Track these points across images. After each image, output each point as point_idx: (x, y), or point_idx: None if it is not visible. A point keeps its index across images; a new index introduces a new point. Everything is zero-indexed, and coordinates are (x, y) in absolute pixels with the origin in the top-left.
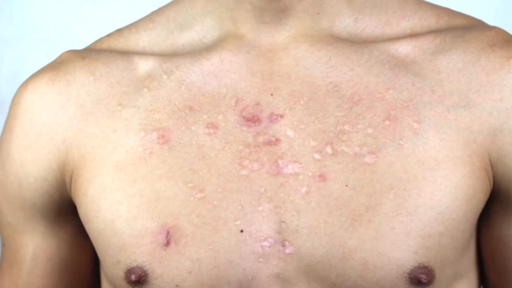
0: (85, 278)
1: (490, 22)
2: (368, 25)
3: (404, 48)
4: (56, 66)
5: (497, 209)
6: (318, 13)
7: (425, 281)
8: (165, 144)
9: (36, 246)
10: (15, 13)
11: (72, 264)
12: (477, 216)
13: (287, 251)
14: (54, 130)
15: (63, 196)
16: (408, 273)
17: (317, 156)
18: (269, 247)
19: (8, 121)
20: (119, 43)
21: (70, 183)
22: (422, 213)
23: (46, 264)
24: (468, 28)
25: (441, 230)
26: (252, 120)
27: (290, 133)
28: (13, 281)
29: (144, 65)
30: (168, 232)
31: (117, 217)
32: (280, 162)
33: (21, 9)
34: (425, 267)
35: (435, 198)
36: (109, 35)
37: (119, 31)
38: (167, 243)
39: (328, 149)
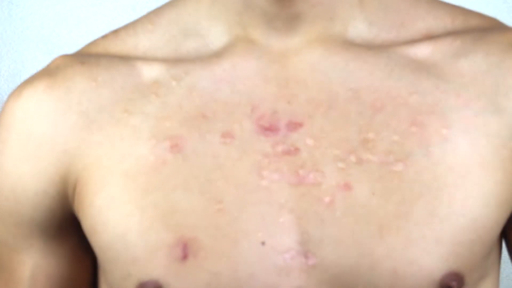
0: None
1: None
2: (383, 29)
3: (423, 51)
4: (53, 72)
5: None
6: (331, 18)
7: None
8: (178, 153)
9: (34, 265)
10: (14, 13)
11: (72, 282)
12: (506, 220)
13: (310, 262)
14: (55, 140)
15: (65, 209)
16: (439, 280)
17: (340, 164)
18: (291, 259)
19: (0, 132)
20: (116, 46)
21: (74, 196)
22: (453, 220)
23: (45, 284)
24: (487, 29)
25: (473, 238)
26: (269, 129)
27: (309, 142)
28: None
29: (148, 71)
30: (185, 245)
31: (129, 230)
32: (300, 171)
33: (20, 8)
34: (455, 274)
35: (467, 205)
36: (104, 37)
37: (115, 32)
38: (185, 256)
39: (352, 158)
